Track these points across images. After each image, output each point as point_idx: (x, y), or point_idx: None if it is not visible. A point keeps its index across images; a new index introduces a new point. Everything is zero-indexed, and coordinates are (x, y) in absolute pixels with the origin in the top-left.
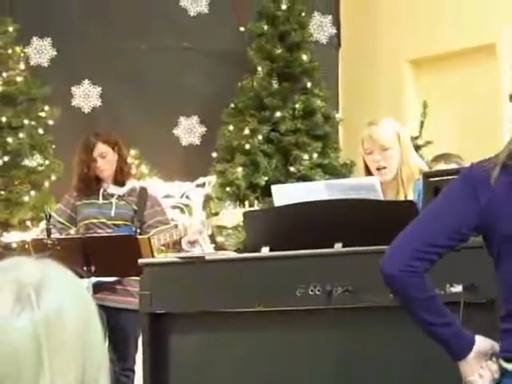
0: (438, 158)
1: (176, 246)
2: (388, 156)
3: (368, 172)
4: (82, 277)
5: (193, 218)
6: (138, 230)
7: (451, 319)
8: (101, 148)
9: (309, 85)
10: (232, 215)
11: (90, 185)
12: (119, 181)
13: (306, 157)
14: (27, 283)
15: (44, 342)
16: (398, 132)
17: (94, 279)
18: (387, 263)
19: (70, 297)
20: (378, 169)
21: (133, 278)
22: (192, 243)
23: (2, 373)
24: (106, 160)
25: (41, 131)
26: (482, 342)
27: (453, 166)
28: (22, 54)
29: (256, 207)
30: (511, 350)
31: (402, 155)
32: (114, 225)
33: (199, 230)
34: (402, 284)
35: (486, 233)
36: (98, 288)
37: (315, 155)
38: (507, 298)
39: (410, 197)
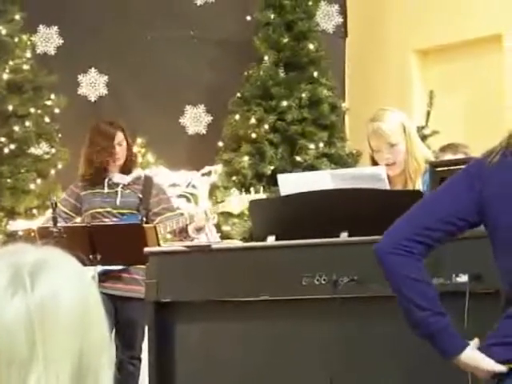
0: (445, 148)
1: (183, 233)
2: (396, 151)
3: (375, 165)
4: (87, 265)
5: (199, 207)
6: (144, 219)
7: (444, 312)
8: (120, 136)
9: (315, 74)
10: (238, 201)
11: (100, 173)
12: (127, 169)
13: (312, 146)
14: (23, 267)
15: (37, 325)
16: (403, 124)
17: (100, 268)
18: (381, 244)
19: (68, 282)
20: (388, 164)
21: (140, 266)
22: (199, 230)
23: None
24: (121, 148)
25: (47, 119)
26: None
27: (460, 156)
28: (29, 43)
29: (262, 195)
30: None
31: (407, 147)
32: (120, 213)
33: (205, 217)
34: (393, 261)
35: (485, 221)
36: (104, 277)
37: (321, 145)
38: None
39: (418, 188)
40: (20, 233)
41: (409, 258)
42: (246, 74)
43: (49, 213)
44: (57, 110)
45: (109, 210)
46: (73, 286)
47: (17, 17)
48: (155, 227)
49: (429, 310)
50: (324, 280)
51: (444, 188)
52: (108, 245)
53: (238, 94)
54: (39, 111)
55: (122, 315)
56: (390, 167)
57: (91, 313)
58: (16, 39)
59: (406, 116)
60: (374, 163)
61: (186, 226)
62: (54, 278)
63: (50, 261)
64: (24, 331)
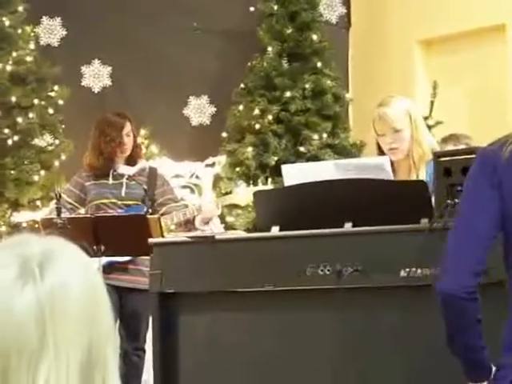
0: (447, 139)
1: (188, 225)
2: (400, 137)
3: (381, 152)
4: (91, 256)
5: (203, 198)
6: (150, 210)
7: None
8: (128, 127)
9: (319, 65)
10: (245, 193)
11: (107, 164)
12: (132, 160)
13: (315, 137)
14: (31, 258)
15: (48, 315)
16: (409, 111)
17: (105, 259)
18: (447, 285)
19: (76, 271)
20: (391, 149)
21: (145, 257)
22: (206, 222)
23: (6, 345)
24: (129, 138)
25: (51, 111)
26: None
27: (462, 147)
28: (32, 34)
29: (270, 187)
30: None
31: (413, 134)
32: (125, 205)
33: (213, 208)
34: (464, 305)
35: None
36: (109, 268)
37: (325, 135)
38: None
39: (422, 176)
40: (24, 224)
41: (476, 301)
42: (249, 64)
43: (53, 204)
44: (60, 102)
45: (114, 201)
46: (80, 275)
47: (20, 8)
48: (159, 218)
49: (484, 348)
50: (328, 270)
51: (471, 200)
52: (112, 236)
53: (242, 85)
54: (43, 103)
55: (126, 306)
56: (393, 152)
57: (99, 301)
58: (19, 31)
59: (414, 104)
60: (380, 151)
61: (193, 217)
62: (63, 267)
63: (56, 250)
64: (34, 321)
